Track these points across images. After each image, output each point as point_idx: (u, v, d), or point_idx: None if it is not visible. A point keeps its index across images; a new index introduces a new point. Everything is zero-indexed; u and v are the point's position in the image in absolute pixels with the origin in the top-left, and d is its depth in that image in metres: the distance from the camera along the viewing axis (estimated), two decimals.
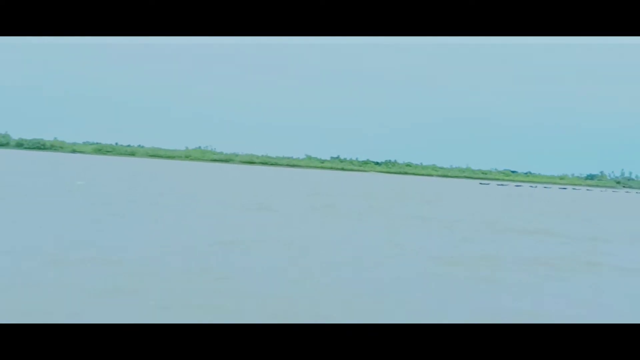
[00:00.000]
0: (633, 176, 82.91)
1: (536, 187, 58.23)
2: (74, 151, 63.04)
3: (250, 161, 68.50)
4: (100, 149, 64.32)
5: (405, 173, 73.23)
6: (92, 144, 67.23)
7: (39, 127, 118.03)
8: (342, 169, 71.10)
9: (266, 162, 69.19)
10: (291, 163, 71.22)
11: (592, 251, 8.44)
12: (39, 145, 61.63)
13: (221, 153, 71.02)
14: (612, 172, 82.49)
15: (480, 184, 55.39)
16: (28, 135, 64.51)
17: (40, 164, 29.94)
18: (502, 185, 55.79)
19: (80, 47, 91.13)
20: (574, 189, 59.44)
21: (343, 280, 5.30)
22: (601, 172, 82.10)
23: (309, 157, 74.97)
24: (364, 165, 74.94)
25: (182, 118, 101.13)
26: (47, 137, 65.46)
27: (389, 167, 75.71)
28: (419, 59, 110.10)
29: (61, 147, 62.61)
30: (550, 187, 58.59)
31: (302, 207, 13.52)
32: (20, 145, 61.10)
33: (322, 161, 73.97)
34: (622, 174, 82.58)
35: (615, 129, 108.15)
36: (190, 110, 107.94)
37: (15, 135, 64.11)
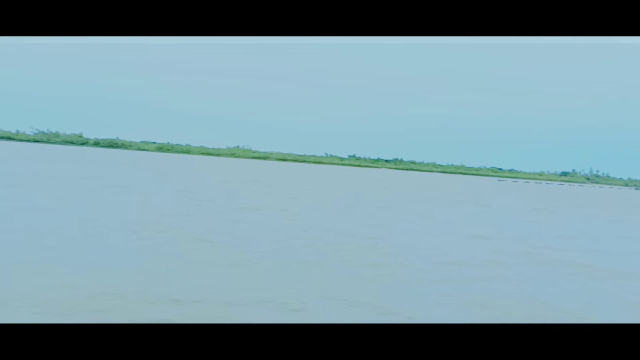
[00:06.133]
0: (600, 173, 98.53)
1: (540, 183, 72.16)
2: (139, 149, 74.81)
3: (283, 158, 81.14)
4: (161, 148, 76.25)
5: (411, 169, 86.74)
6: (149, 142, 79.04)
7: (99, 128, 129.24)
8: (359, 166, 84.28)
9: (296, 159, 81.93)
10: (316, 160, 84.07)
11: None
12: (111, 144, 73.32)
13: (257, 152, 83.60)
14: (582, 169, 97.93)
15: (499, 180, 67.98)
16: (94, 135, 76.33)
17: (165, 164, 41.68)
18: (515, 181, 68.83)
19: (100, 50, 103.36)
20: (570, 184, 73.93)
21: None
22: (573, 170, 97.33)
23: (329, 156, 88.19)
24: (376, 163, 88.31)
25: (215, 121, 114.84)
26: (111, 136, 77.36)
27: (397, 164, 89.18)
28: (406, 65, 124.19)
29: (130, 146, 74.42)
30: (551, 183, 72.66)
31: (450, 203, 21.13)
32: (97, 144, 72.68)
33: (342, 159, 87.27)
34: (591, 171, 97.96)
35: (587, 133, 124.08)
36: (216, 115, 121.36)
37: (86, 135, 75.77)
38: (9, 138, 69.57)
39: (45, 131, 74.97)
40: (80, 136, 74.73)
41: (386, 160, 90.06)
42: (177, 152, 76.22)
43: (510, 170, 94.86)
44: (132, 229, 7.92)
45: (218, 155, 77.78)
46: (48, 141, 70.06)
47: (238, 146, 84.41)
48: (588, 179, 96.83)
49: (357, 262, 6.76)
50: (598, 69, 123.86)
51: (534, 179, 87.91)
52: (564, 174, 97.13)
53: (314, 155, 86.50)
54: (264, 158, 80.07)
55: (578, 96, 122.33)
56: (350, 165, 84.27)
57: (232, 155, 78.64)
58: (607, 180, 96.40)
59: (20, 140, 69.44)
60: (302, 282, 5.47)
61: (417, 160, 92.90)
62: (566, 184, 79.14)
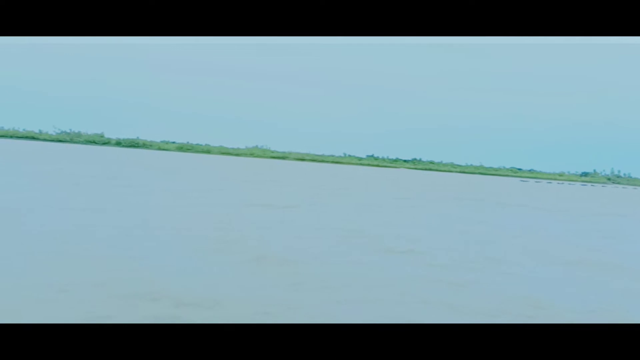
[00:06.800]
0: (621, 174, 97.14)
1: (563, 184, 71.33)
2: (160, 149, 75.46)
3: (301, 158, 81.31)
4: (182, 147, 76.87)
5: (430, 169, 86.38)
6: (169, 142, 79.69)
7: (118, 128, 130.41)
8: (378, 166, 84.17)
9: (315, 159, 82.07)
10: (334, 160, 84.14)
11: None
12: (133, 144, 74.09)
13: (275, 151, 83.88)
14: (604, 170, 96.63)
15: (521, 181, 67.31)
16: (115, 134, 77.14)
17: (211, 165, 42.40)
18: (537, 182, 68.02)
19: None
20: (592, 185, 72.98)
21: None
22: (594, 170, 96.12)
23: (348, 155, 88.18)
24: (395, 163, 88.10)
25: (231, 121, 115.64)
26: (131, 136, 78.10)
27: (415, 164, 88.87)
28: (416, 63, 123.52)
29: (150, 146, 75.13)
30: (574, 184, 71.79)
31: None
32: (118, 144, 73.51)
33: (360, 159, 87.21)
34: (612, 171, 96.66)
35: (607, 132, 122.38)
36: (231, 115, 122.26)
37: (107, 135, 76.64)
38: (33, 138, 70.66)
39: (68, 131, 76.09)
40: (102, 136, 75.60)
41: (405, 160, 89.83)
42: (198, 151, 76.74)
43: (530, 171, 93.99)
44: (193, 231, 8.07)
45: (237, 155, 78.22)
46: (71, 141, 71.04)
47: (257, 146, 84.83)
48: (609, 179, 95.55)
49: (424, 263, 6.84)
50: (610, 69, 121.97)
51: (555, 179, 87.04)
52: (585, 174, 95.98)
53: (332, 155, 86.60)
54: (283, 158, 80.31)
55: (594, 95, 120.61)
56: (369, 165, 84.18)
57: (252, 155, 79.05)
58: (630, 180, 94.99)
59: (44, 140, 70.50)
60: (383, 284, 5.54)
61: (436, 160, 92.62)
62: (589, 184, 78.26)
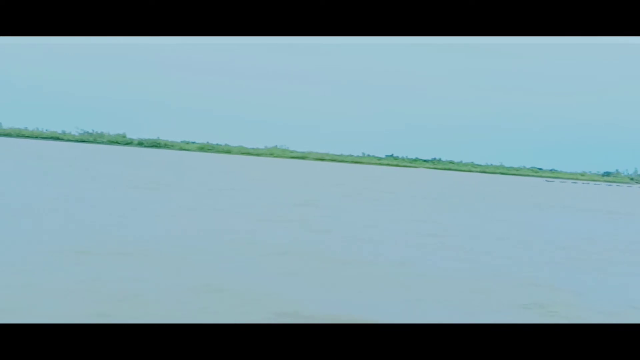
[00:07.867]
0: None
1: (588, 184, 70.48)
2: (181, 149, 75.91)
3: (321, 158, 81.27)
4: (203, 148, 77.27)
5: (449, 169, 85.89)
6: (189, 142, 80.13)
7: (139, 128, 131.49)
8: (397, 165, 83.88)
9: (334, 159, 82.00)
10: (354, 160, 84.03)
11: None
12: (154, 144, 74.61)
13: (295, 151, 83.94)
14: (626, 170, 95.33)
15: (546, 181, 66.86)
16: (136, 135, 77.76)
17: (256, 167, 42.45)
18: (562, 182, 67.25)
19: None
20: (618, 185, 72.07)
21: None
22: (616, 170, 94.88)
23: (367, 155, 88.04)
24: (414, 162, 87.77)
25: (246, 121, 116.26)
26: (151, 136, 78.65)
27: (435, 164, 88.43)
28: (429, 63, 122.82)
29: (172, 146, 75.61)
30: (599, 184, 71.04)
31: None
32: (140, 144, 74.06)
33: (379, 158, 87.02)
34: (635, 171, 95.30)
35: (629, 131, 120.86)
36: (245, 115, 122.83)
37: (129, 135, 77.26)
38: (57, 138, 71.43)
39: (90, 131, 76.81)
40: (124, 136, 76.23)
41: (424, 160, 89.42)
42: (218, 152, 77.10)
43: (551, 170, 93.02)
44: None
45: (258, 155, 78.42)
46: (94, 141, 71.69)
47: (276, 146, 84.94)
48: (632, 179, 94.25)
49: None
50: (617, 69, 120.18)
51: (577, 179, 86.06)
52: (607, 174, 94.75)
53: (351, 155, 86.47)
54: (303, 158, 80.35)
55: (602, 95, 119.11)
56: (389, 164, 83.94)
57: (271, 155, 79.18)
58: None
59: (68, 140, 71.21)
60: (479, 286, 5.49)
61: (455, 159, 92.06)
62: (613, 184, 77.22)
